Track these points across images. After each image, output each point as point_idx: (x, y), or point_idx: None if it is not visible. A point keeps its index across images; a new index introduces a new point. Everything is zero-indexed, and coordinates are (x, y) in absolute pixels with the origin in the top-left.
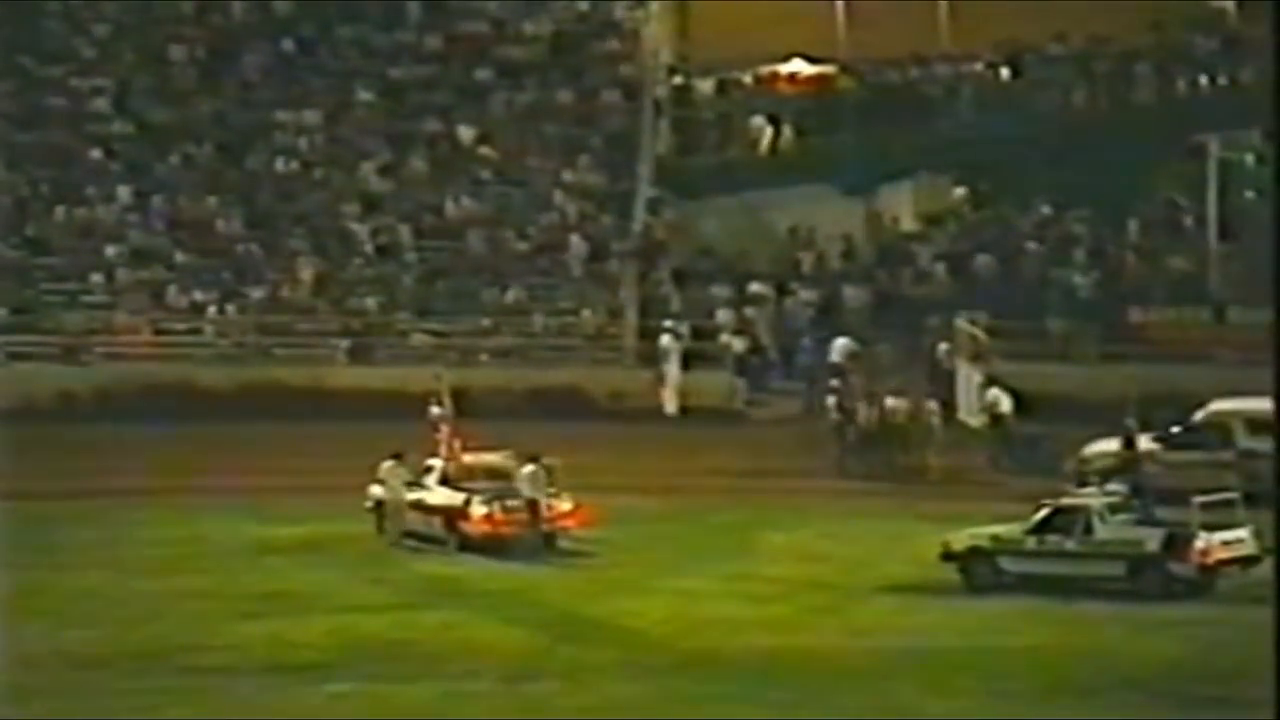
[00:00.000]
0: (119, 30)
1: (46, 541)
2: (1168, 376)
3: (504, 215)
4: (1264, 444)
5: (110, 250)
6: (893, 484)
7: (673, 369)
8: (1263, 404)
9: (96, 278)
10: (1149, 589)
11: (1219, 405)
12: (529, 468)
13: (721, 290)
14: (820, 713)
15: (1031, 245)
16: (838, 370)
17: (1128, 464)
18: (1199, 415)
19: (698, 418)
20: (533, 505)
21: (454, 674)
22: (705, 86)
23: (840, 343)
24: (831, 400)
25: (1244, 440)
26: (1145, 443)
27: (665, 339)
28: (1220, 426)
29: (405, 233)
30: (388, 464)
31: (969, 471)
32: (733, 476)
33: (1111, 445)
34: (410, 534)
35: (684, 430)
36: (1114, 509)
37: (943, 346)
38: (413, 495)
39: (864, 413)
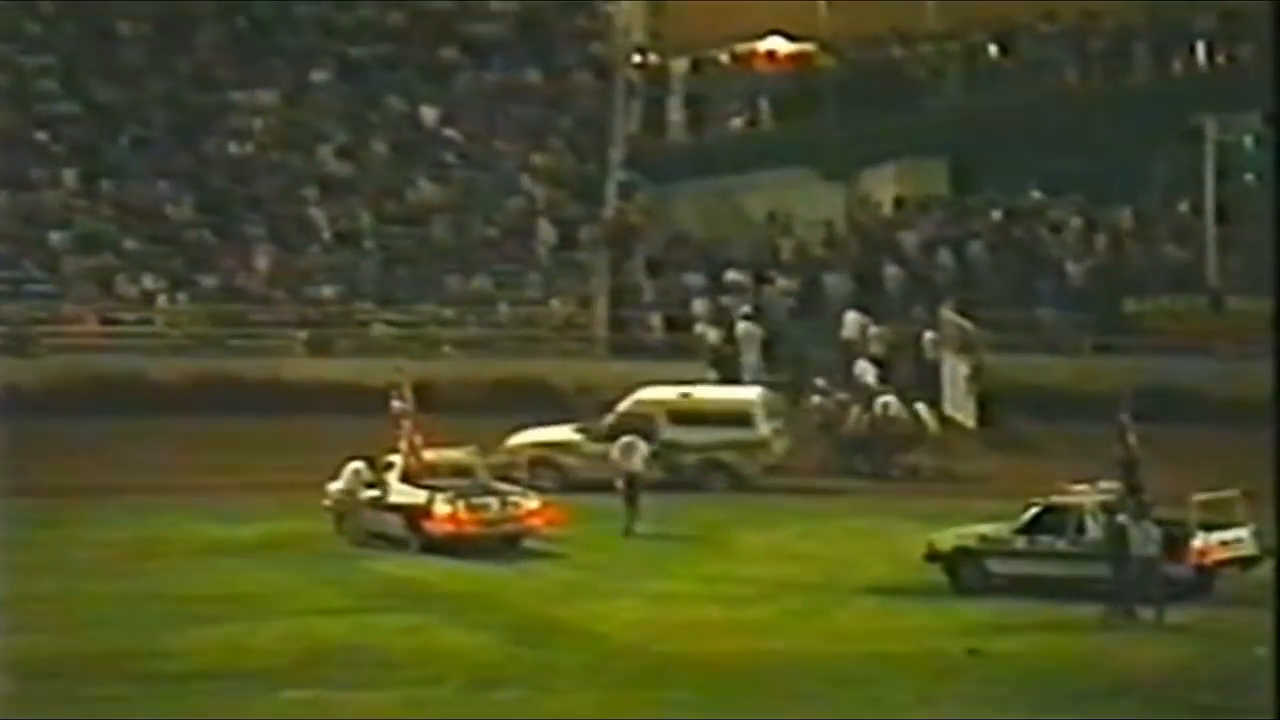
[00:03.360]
0: (65, 6)
1: None
2: (1164, 368)
3: (469, 200)
4: (687, 435)
5: (56, 236)
6: (876, 481)
7: (753, 359)
8: (690, 394)
9: (41, 266)
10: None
11: (643, 395)
12: (625, 439)
13: (696, 278)
14: None
15: (1021, 232)
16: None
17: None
18: (623, 406)
19: None
20: (629, 480)
21: (416, 680)
22: (679, 65)
23: (850, 316)
24: (817, 400)
25: (667, 431)
26: (567, 433)
27: (743, 325)
28: (643, 417)
29: (366, 218)
30: (353, 466)
31: (956, 468)
32: None
33: (537, 435)
34: (371, 534)
35: None
36: (1107, 508)
37: (929, 337)
38: (373, 493)
39: (855, 412)
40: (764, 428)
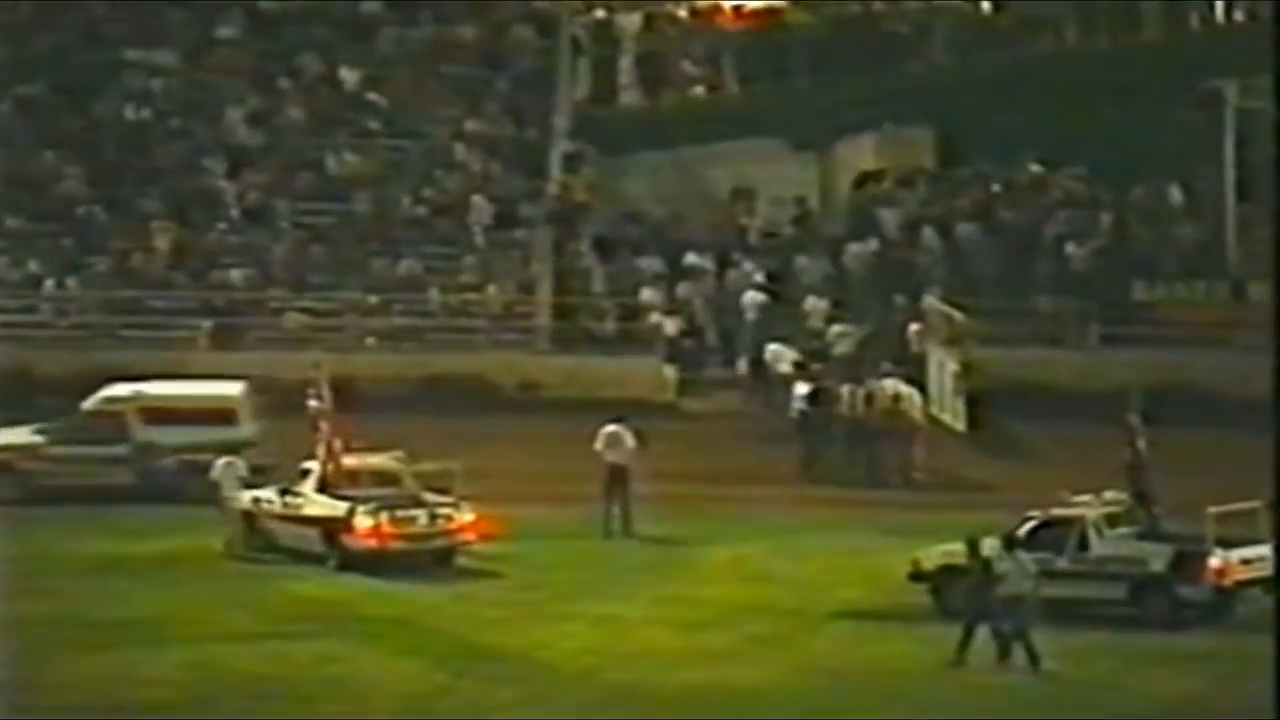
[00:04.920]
0: None
1: None
2: (1178, 363)
3: (395, 173)
4: (164, 435)
5: None
6: (852, 490)
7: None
8: (165, 389)
9: None
10: (1154, 615)
11: (112, 392)
12: (610, 428)
13: (651, 262)
14: None
15: (1016, 209)
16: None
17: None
18: (87, 404)
19: (622, 412)
20: (615, 475)
21: (333, 715)
22: (632, 21)
23: (774, 349)
24: (802, 388)
25: (141, 432)
26: (27, 435)
27: (750, 294)
28: (113, 416)
29: (279, 194)
30: (222, 462)
31: (942, 476)
32: (664, 481)
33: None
34: (281, 549)
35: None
36: (1114, 521)
37: (913, 328)
38: (285, 503)
39: (846, 395)
40: (249, 427)
